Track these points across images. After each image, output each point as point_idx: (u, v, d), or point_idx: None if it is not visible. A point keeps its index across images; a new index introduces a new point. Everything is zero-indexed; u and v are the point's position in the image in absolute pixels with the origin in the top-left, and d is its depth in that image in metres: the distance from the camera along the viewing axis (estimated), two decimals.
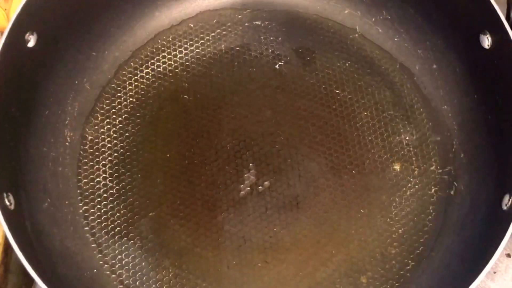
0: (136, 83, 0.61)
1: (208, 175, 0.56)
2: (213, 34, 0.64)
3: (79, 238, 0.54)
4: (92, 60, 0.60)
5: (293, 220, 0.55)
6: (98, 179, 0.56)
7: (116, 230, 0.54)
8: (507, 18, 0.53)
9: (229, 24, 0.64)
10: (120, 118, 0.59)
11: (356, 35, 0.64)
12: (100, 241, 0.54)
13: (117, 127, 0.59)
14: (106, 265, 0.53)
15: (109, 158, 0.57)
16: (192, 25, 0.64)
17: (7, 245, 0.52)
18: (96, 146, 0.58)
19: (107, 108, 0.60)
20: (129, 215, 0.55)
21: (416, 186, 0.57)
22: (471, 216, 0.52)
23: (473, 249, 0.49)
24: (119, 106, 0.60)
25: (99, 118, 0.59)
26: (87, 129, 0.58)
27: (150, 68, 0.62)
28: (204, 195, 0.56)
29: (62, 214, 0.54)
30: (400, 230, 0.55)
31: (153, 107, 0.60)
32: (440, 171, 0.57)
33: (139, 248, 0.54)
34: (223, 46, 0.63)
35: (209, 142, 0.58)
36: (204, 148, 0.58)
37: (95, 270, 0.53)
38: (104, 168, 0.57)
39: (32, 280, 0.45)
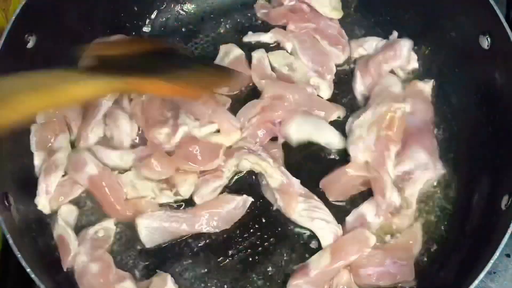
0: None
1: None
2: None
3: (79, 238, 0.54)
4: None
5: None
6: None
7: None
8: (507, 20, 0.53)
9: None
10: None
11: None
12: None
13: None
14: None
15: None
16: None
17: (6, 245, 0.52)
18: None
19: None
20: None
21: None
22: (471, 216, 0.52)
23: (473, 249, 0.49)
24: None
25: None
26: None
27: None
28: None
29: None
30: None
31: None
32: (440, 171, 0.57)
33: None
34: None
35: None
36: None
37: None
38: None
39: (31, 281, 0.45)
